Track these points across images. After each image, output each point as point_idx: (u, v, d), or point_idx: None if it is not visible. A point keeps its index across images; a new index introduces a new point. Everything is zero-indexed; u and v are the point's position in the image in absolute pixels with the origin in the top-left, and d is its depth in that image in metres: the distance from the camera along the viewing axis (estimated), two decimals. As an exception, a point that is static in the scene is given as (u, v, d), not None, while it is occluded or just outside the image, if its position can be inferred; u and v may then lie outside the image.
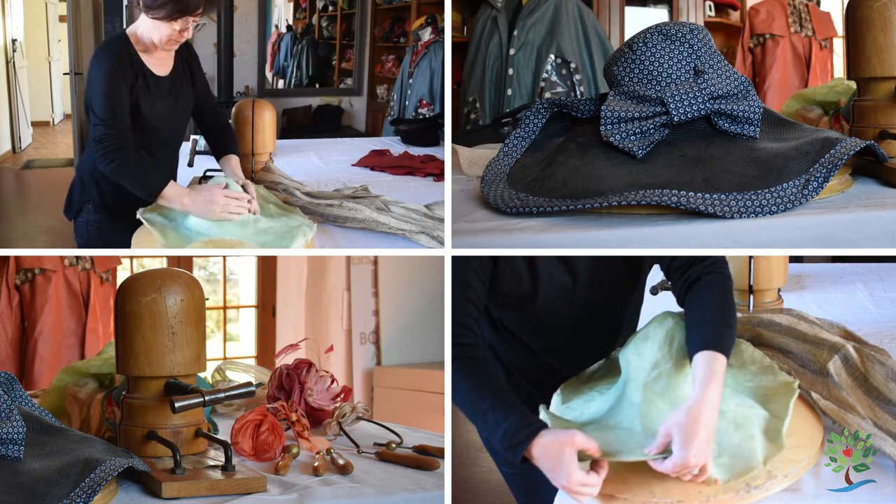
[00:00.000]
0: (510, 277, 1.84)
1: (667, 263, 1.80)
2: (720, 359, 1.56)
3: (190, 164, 2.91)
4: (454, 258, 1.79)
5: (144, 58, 2.38)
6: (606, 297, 1.93)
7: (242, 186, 2.32)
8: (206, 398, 1.67)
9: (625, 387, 1.64)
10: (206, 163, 2.76)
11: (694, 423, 1.48)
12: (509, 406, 1.58)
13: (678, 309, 1.93)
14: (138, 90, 2.35)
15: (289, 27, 7.03)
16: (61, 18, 7.90)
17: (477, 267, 1.78)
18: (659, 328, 1.65)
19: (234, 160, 2.57)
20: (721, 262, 1.73)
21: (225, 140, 2.62)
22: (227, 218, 2.19)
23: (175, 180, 2.61)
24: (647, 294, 2.10)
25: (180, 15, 2.28)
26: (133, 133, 2.36)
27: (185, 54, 2.51)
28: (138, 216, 2.24)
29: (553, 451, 1.50)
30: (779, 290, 2.47)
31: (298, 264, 4.47)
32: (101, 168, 2.30)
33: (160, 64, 2.43)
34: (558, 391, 1.80)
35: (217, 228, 2.21)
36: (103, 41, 2.44)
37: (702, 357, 1.56)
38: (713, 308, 1.65)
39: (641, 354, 1.62)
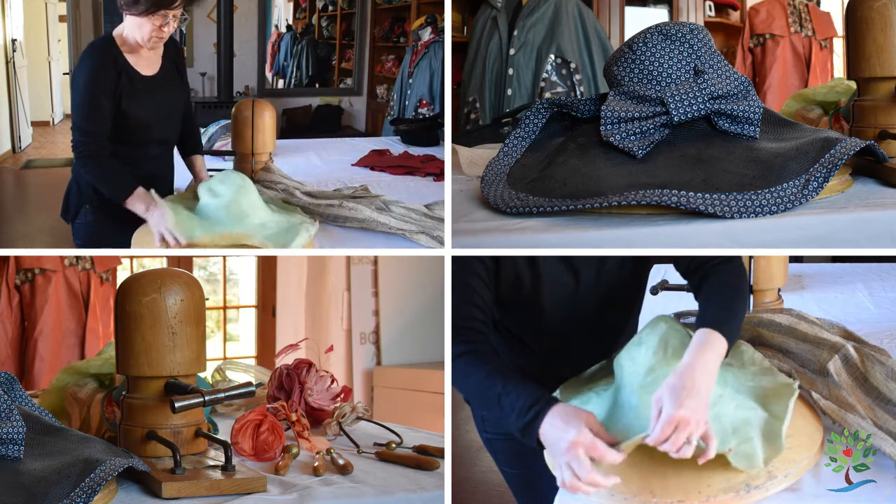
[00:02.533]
0: (512, 279, 1.84)
1: (685, 265, 1.80)
2: (717, 335, 1.56)
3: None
4: (456, 262, 1.79)
5: (131, 58, 2.41)
6: (608, 298, 1.93)
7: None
8: (206, 398, 1.67)
9: (618, 392, 1.63)
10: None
11: (684, 381, 1.47)
12: (522, 386, 1.58)
13: (673, 311, 1.92)
14: (123, 91, 2.37)
15: (289, 27, 7.03)
16: (61, 18, 7.88)
17: (480, 270, 1.78)
18: (652, 333, 1.65)
19: (199, 161, 2.66)
20: (737, 259, 1.75)
21: (191, 140, 2.69)
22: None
23: (173, 178, 2.64)
24: (647, 294, 2.10)
25: (156, 9, 2.31)
26: (124, 133, 2.41)
27: (174, 53, 2.54)
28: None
29: (567, 415, 1.49)
30: (779, 290, 2.47)
31: (298, 264, 4.47)
32: (79, 169, 2.41)
33: (147, 64, 2.45)
34: (557, 391, 1.80)
35: (223, 220, 2.23)
36: (89, 43, 2.46)
37: (699, 333, 1.58)
38: (721, 292, 1.67)
39: (635, 359, 1.62)
